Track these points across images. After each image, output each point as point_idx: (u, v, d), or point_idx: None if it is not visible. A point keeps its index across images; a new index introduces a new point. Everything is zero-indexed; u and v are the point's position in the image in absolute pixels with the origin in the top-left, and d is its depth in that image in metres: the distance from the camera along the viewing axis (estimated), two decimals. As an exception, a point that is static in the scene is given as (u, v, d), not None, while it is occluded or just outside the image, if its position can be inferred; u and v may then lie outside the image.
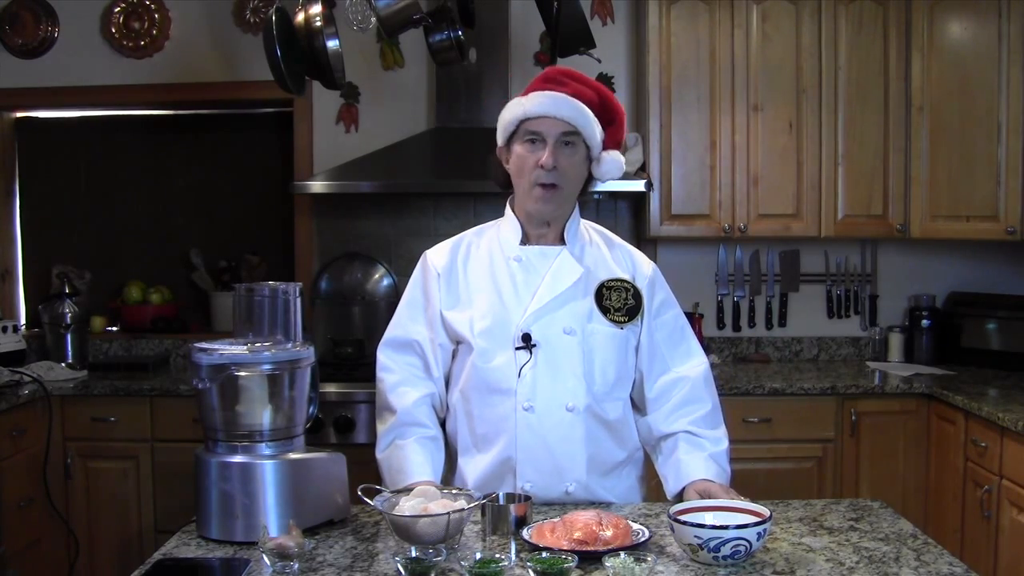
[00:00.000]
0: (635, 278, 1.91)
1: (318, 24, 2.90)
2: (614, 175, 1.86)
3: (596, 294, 1.86)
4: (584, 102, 1.80)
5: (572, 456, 1.83)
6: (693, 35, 3.42)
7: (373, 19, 2.94)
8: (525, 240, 1.89)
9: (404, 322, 1.93)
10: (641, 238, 3.62)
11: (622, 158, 1.87)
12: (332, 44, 3.03)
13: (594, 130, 1.81)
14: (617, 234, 2.04)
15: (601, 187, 3.23)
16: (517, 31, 3.64)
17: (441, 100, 3.60)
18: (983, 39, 3.31)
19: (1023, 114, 3.22)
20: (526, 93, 1.83)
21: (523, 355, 1.81)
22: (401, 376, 1.90)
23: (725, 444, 1.87)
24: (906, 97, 3.41)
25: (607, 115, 1.84)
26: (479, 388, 1.85)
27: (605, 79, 3.66)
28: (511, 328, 1.82)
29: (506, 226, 1.91)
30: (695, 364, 1.92)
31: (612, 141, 1.86)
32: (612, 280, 1.87)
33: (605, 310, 1.85)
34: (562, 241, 1.88)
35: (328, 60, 2.96)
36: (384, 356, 1.93)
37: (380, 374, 1.93)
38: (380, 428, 1.90)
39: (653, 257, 3.54)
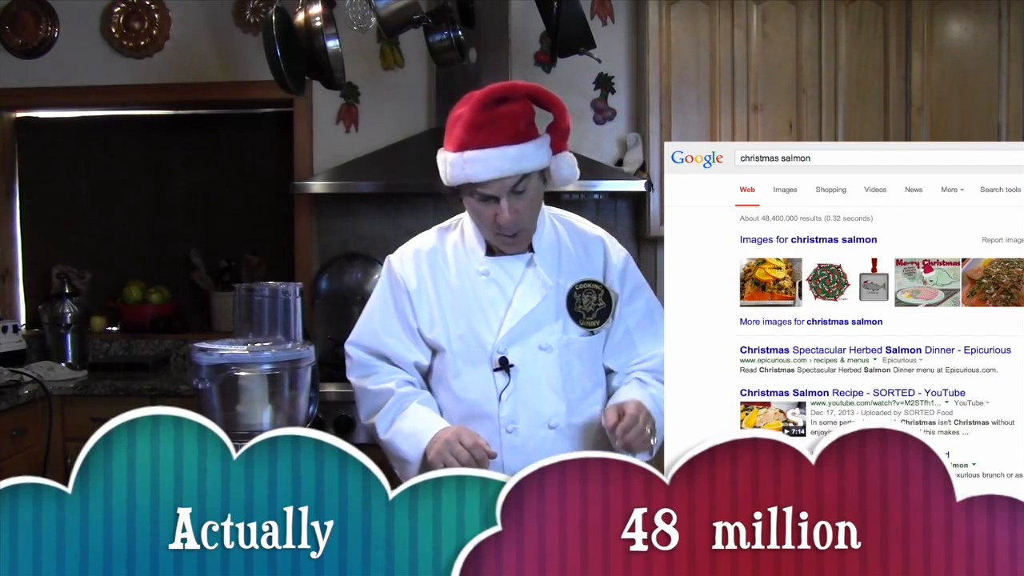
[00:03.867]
0: (605, 272, 1.85)
1: (318, 24, 2.90)
2: (570, 179, 1.77)
3: (568, 300, 1.81)
4: (521, 118, 1.70)
5: None
6: (693, 35, 3.42)
7: (373, 19, 2.95)
8: (490, 250, 1.84)
9: (377, 328, 1.88)
10: (641, 238, 3.62)
11: (572, 158, 1.78)
12: (332, 44, 3.03)
13: (541, 157, 1.72)
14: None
15: (601, 187, 3.32)
16: (517, 31, 3.64)
17: (441, 100, 3.59)
18: (983, 39, 3.31)
19: (1023, 114, 3.23)
20: (460, 147, 1.70)
21: (501, 378, 1.78)
22: (381, 371, 1.87)
23: None
24: (906, 97, 3.41)
25: (545, 109, 1.75)
26: (459, 412, 1.81)
27: (605, 79, 3.67)
28: (487, 349, 1.79)
29: (469, 234, 1.86)
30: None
31: (558, 135, 1.75)
32: (582, 283, 1.82)
33: (577, 316, 1.81)
34: (529, 248, 1.83)
35: (328, 60, 2.96)
36: (356, 353, 1.89)
37: (356, 372, 1.88)
38: (374, 417, 1.84)
39: (653, 257, 3.61)
